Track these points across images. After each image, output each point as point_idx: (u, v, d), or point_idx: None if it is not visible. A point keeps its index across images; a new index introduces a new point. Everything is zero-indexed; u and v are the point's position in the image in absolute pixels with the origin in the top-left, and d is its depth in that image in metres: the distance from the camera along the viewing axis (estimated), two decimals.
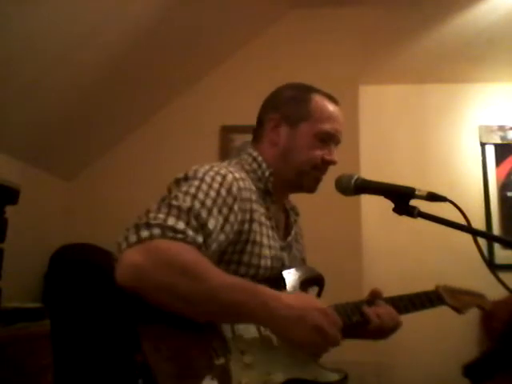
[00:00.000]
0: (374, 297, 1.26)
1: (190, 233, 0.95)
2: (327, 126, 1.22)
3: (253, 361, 0.99)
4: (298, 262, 1.32)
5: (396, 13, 2.85)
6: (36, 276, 2.47)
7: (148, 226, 0.92)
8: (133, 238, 0.90)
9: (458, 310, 1.35)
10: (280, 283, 1.14)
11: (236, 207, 1.07)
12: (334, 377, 1.07)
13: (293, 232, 1.30)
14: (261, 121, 1.29)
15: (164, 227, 0.92)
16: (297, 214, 1.39)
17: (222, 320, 0.97)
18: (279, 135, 1.23)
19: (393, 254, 3.02)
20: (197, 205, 1.00)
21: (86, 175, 3.00)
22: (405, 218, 1.11)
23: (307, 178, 1.24)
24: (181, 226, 0.94)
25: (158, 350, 0.92)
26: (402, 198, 1.10)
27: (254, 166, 1.24)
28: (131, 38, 2.35)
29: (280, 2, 2.91)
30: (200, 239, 0.96)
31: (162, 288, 0.90)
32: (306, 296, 1.04)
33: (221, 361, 0.96)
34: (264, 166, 1.23)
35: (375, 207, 2.53)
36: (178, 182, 1.08)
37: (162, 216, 0.95)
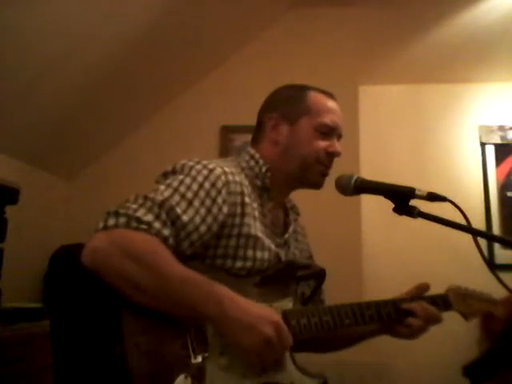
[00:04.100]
0: (419, 292, 1.25)
1: (156, 225, 0.97)
2: (326, 119, 1.22)
3: (229, 363, 0.98)
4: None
5: (395, 13, 2.85)
6: (36, 276, 2.47)
7: (116, 214, 0.97)
8: (101, 225, 0.96)
9: (465, 317, 1.30)
10: (274, 280, 1.13)
11: (220, 200, 1.08)
12: (312, 383, 1.05)
13: (290, 229, 1.29)
14: (259, 122, 1.30)
15: (130, 217, 0.96)
16: (297, 214, 1.38)
17: (173, 312, 0.96)
18: (280, 133, 1.24)
19: (393, 253, 3.02)
20: (176, 198, 1.02)
21: (86, 175, 3.00)
22: (405, 218, 1.11)
23: (312, 172, 1.23)
24: (148, 218, 0.97)
25: (136, 345, 0.92)
26: (401, 198, 1.10)
27: (252, 163, 1.24)
28: (131, 38, 2.34)
29: (279, 2, 2.91)
30: (166, 232, 0.98)
31: (115, 274, 0.94)
32: (266, 307, 1.01)
33: (198, 360, 0.95)
34: (261, 162, 1.23)
35: (375, 207, 2.53)
36: (165, 175, 1.12)
37: (134, 206, 0.99)
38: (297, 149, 1.22)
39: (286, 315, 1.05)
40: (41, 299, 2.38)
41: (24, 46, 1.94)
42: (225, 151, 2.89)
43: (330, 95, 1.27)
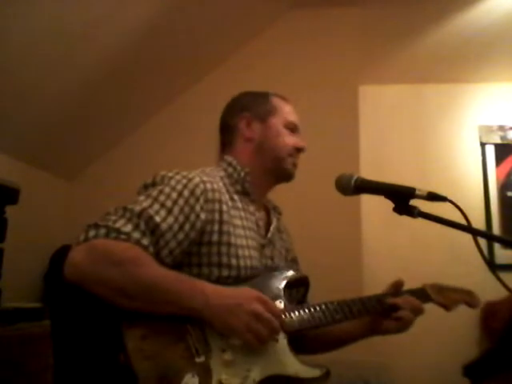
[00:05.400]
0: (396, 288, 1.30)
1: (135, 235, 1.01)
2: (292, 117, 1.36)
3: (233, 358, 1.00)
4: (283, 262, 1.34)
5: (395, 13, 2.85)
6: (36, 276, 2.47)
7: (96, 226, 1.00)
8: (82, 237, 0.99)
9: (446, 307, 1.35)
10: (263, 284, 1.15)
11: (198, 207, 1.12)
12: (316, 372, 1.08)
13: (272, 228, 1.33)
14: (228, 126, 1.38)
15: (110, 228, 0.99)
16: (279, 213, 1.43)
17: (161, 311, 0.99)
18: (253, 130, 1.33)
19: (393, 253, 3.01)
20: (155, 207, 1.06)
21: (87, 175, 3.00)
22: (405, 218, 1.12)
23: (286, 163, 1.32)
24: (127, 228, 1.00)
25: (139, 351, 0.94)
26: (402, 198, 1.10)
27: (230, 170, 1.29)
28: (131, 38, 2.34)
29: (279, 2, 2.91)
30: (145, 242, 1.02)
31: (99, 282, 0.96)
32: (245, 288, 1.06)
33: (201, 359, 0.98)
34: (239, 168, 1.29)
35: (375, 207, 2.52)
36: (145, 187, 1.16)
37: (113, 218, 1.02)
38: (270, 142, 1.32)
39: None
40: (41, 299, 2.38)
41: (24, 47, 1.94)
42: None
43: (288, 99, 1.41)
